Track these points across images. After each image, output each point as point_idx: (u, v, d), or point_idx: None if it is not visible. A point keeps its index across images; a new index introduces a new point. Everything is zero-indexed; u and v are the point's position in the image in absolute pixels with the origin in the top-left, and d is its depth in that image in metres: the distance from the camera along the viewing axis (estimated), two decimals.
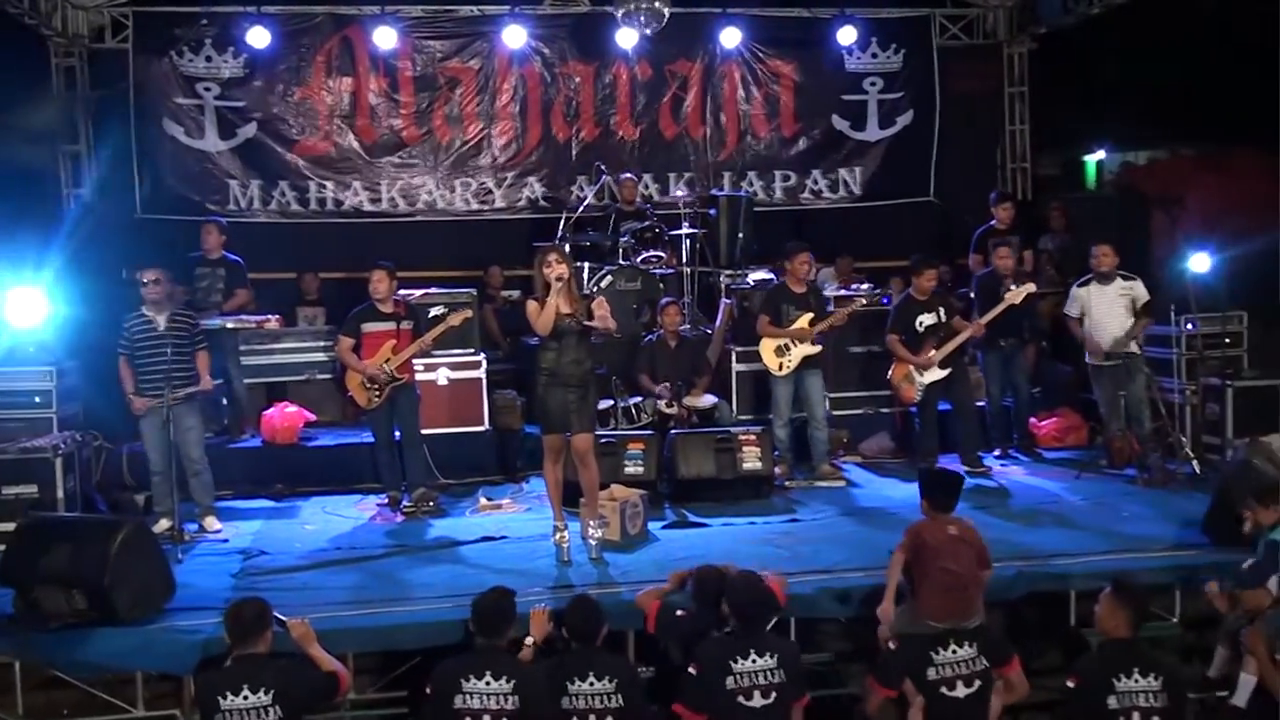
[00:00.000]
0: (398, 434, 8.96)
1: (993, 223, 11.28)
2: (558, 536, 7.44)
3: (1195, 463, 8.92)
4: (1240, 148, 15.78)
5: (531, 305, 7.42)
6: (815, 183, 13.90)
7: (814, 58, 13.61)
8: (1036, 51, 14.26)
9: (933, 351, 9.40)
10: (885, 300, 10.78)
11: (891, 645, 5.95)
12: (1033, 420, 10.68)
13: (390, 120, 12.89)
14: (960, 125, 13.92)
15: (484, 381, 10.18)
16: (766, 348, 9.64)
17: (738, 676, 5.50)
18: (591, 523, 7.46)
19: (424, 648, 6.23)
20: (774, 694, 5.53)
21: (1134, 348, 9.35)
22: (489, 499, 9.06)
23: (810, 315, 9.52)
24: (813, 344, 9.52)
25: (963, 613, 5.96)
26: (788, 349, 9.55)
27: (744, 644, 5.58)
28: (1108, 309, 9.43)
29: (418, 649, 6.26)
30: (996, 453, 10.18)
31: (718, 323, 11.01)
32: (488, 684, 5.35)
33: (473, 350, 10.21)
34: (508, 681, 5.35)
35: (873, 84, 13.84)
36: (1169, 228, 12.66)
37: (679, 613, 6.07)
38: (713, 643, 5.67)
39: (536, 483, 9.63)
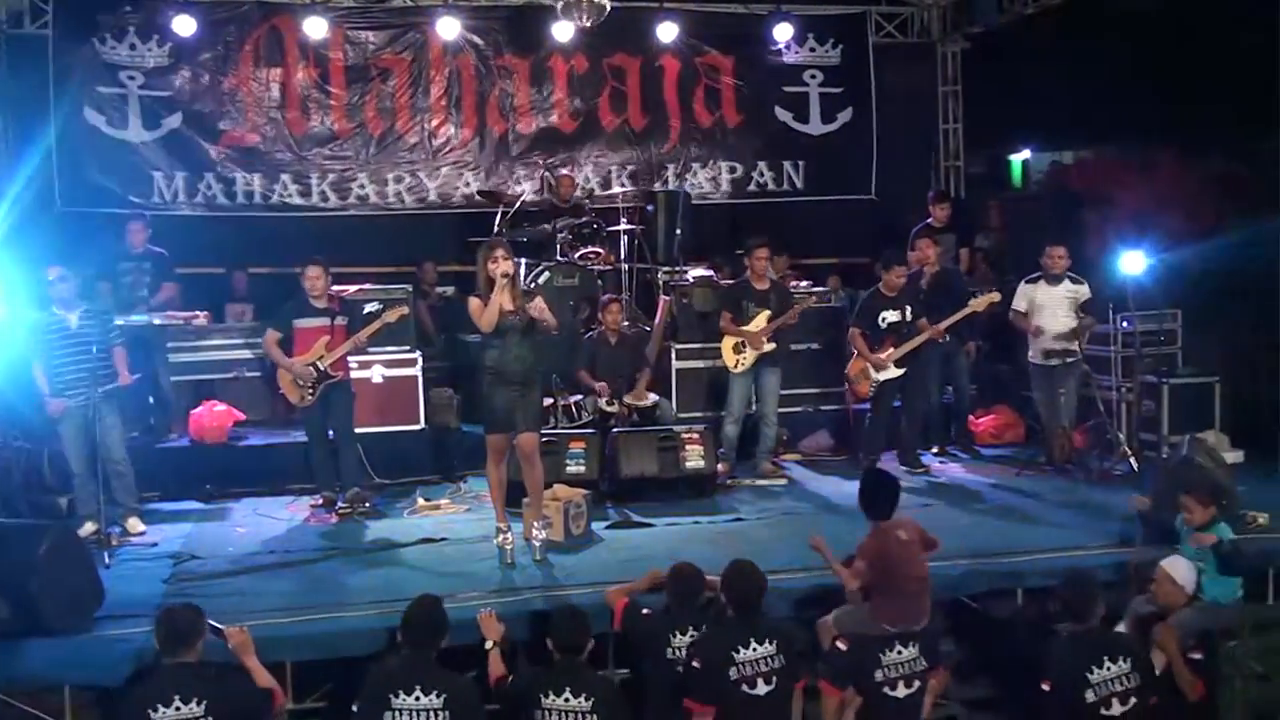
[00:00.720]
0: (331, 433, 8.72)
1: (929, 220, 11.32)
2: (501, 538, 7.28)
3: (1133, 460, 8.99)
4: (1164, 149, 16.06)
5: (474, 302, 7.25)
6: (761, 175, 13.85)
7: (753, 51, 13.55)
8: (967, 51, 14.35)
9: (890, 349, 9.37)
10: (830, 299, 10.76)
11: (842, 646, 5.91)
12: (970, 418, 10.74)
13: (321, 112, 12.59)
14: (896, 123, 13.97)
15: (419, 379, 9.98)
16: (725, 344, 9.58)
17: (740, 666, 5.47)
18: (535, 524, 7.32)
19: (366, 655, 6.04)
20: (775, 679, 5.52)
21: (1076, 348, 9.43)
22: (426, 499, 8.87)
23: (769, 312, 9.45)
24: (768, 340, 9.45)
25: (917, 617, 5.94)
26: (745, 346, 9.49)
27: (744, 632, 5.54)
28: (1054, 309, 9.49)
29: (359, 657, 6.06)
30: (934, 450, 10.20)
31: (656, 320, 10.90)
32: (418, 699, 5.14)
33: (408, 347, 10.00)
34: (438, 696, 5.15)
35: (813, 76, 13.83)
36: (1101, 227, 12.78)
37: (644, 611, 5.95)
38: (713, 634, 5.61)
39: (474, 482, 9.47)
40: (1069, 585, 5.78)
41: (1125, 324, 9.83)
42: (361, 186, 12.75)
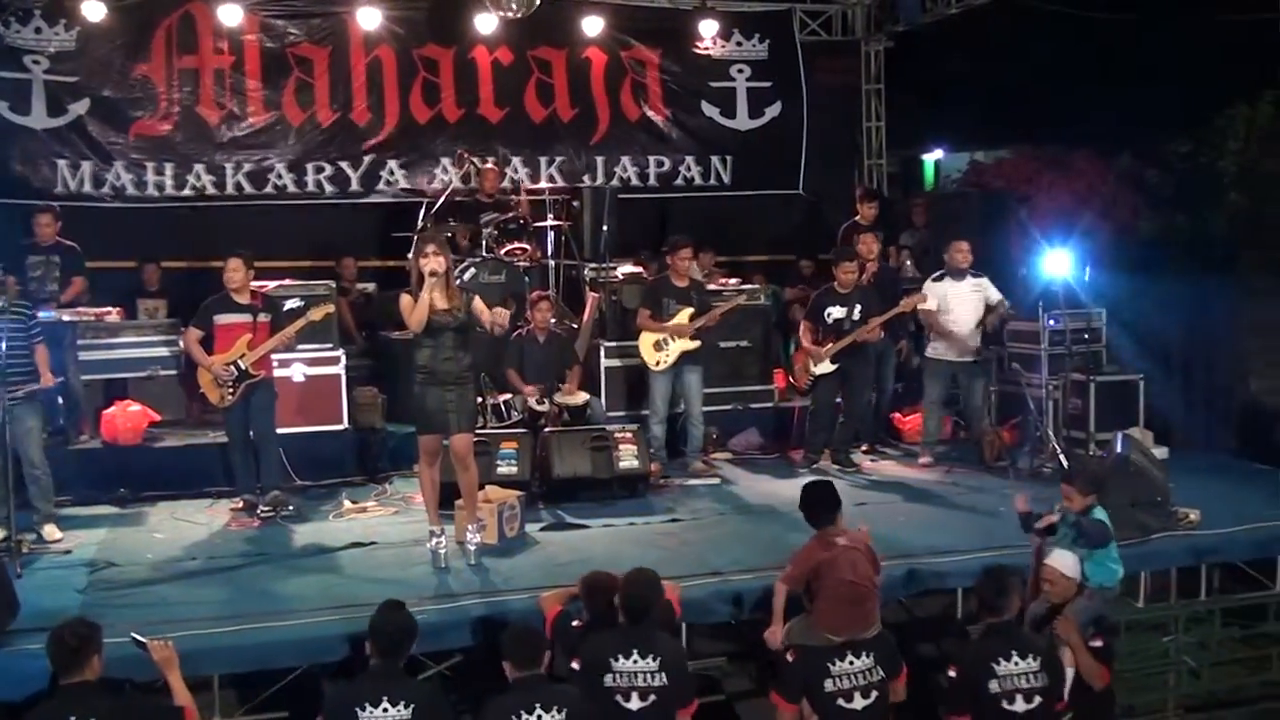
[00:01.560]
0: (252, 433, 8.44)
1: (856, 219, 11.32)
2: (434, 542, 7.08)
3: (1063, 457, 9.05)
4: (1081, 150, 16.33)
5: (405, 300, 7.04)
6: (689, 169, 13.74)
7: (679, 45, 13.46)
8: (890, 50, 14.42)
9: (830, 344, 9.33)
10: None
11: (790, 657, 5.83)
12: (897, 416, 10.78)
13: (237, 100, 12.16)
14: (821, 121, 13.97)
15: (343, 378, 9.70)
16: (645, 342, 9.44)
17: (616, 675, 5.31)
18: (470, 527, 7.13)
19: (301, 666, 5.82)
20: (653, 697, 5.32)
21: (980, 345, 9.55)
22: (353, 501, 8.61)
23: (691, 310, 9.35)
24: (691, 339, 9.35)
25: (861, 624, 5.86)
26: (666, 344, 9.37)
27: (627, 643, 5.37)
28: (963, 306, 9.54)
29: (293, 668, 5.83)
30: (864, 448, 10.20)
31: (585, 317, 10.75)
32: (385, 711, 4.94)
33: (330, 345, 9.72)
34: (406, 707, 4.96)
35: (740, 71, 13.77)
36: (1026, 226, 12.91)
37: (574, 623, 5.79)
38: (597, 638, 5.47)
39: (400, 483, 9.28)
40: (984, 578, 5.75)
41: (1052, 322, 9.91)
42: (279, 177, 12.35)
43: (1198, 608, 7.29)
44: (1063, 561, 6.12)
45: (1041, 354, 9.92)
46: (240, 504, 8.49)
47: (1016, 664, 5.46)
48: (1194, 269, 13.29)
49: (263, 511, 8.26)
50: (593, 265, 11.44)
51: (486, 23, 12.23)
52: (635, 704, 5.30)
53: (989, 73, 18.49)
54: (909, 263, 11.85)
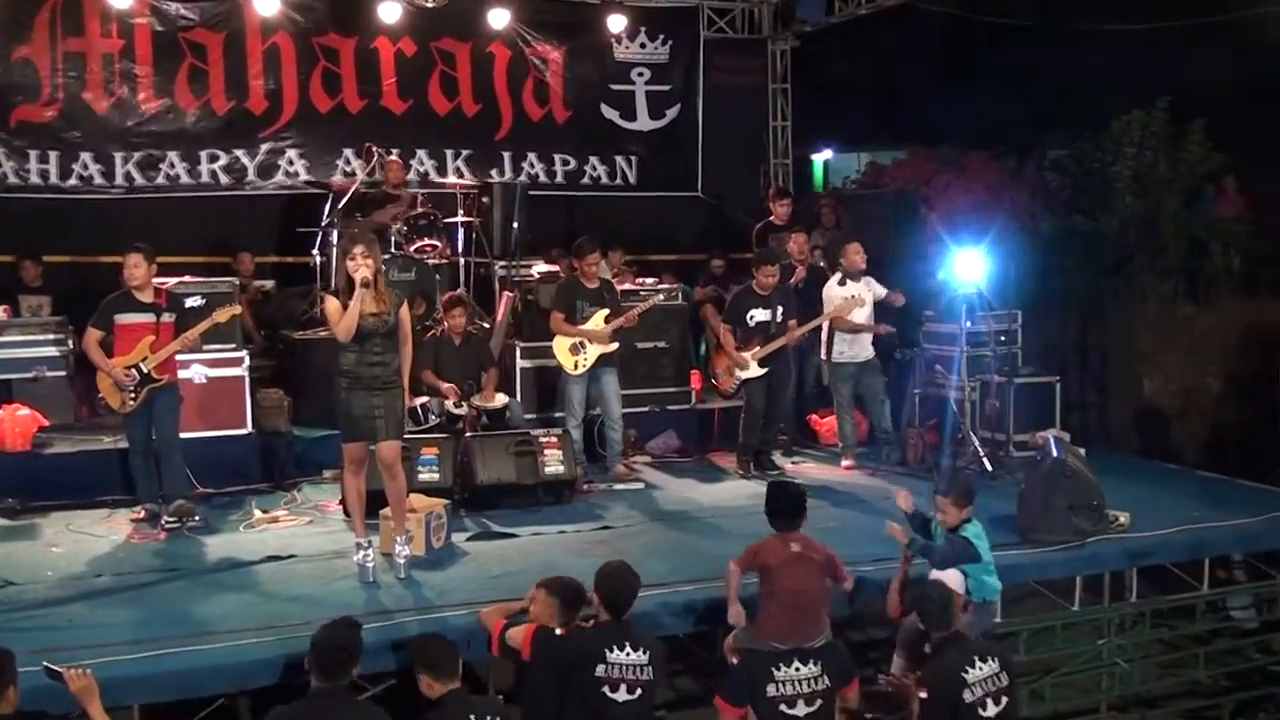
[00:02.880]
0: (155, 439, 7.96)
1: (770, 219, 11.26)
2: (362, 555, 6.73)
3: (986, 460, 9.08)
4: (975, 152, 16.53)
5: (332, 304, 6.68)
6: (594, 168, 13.54)
7: (582, 45, 13.27)
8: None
9: (756, 347, 9.19)
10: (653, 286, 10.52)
11: (734, 660, 5.72)
12: (813, 417, 10.72)
13: (126, 86, 11.51)
14: (727, 119, 13.89)
15: (246, 380, 9.24)
16: (560, 346, 9.19)
17: (609, 666, 5.24)
18: (398, 538, 6.79)
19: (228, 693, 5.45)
20: (640, 690, 5.30)
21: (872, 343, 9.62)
22: (263, 510, 8.19)
23: (606, 312, 9.13)
24: (608, 341, 9.13)
25: (806, 633, 5.75)
26: (583, 347, 9.14)
27: (620, 635, 5.30)
28: (864, 307, 9.53)
29: (219, 695, 5.46)
30: (781, 450, 10.10)
31: (498, 316, 10.46)
32: None
33: (233, 345, 9.23)
34: None
35: (640, 74, 13.62)
36: (938, 227, 13.00)
37: (558, 631, 5.52)
38: (586, 631, 5.36)
39: (310, 490, 8.88)
40: (921, 597, 5.70)
41: (970, 324, 9.93)
42: (171, 166, 11.76)
43: (1129, 610, 7.33)
44: (950, 578, 6.07)
45: (959, 355, 9.95)
46: (142, 514, 8.01)
47: (981, 668, 5.41)
48: (1091, 271, 13.55)
49: (167, 522, 7.80)
50: (503, 263, 11.13)
51: (390, 11, 11.88)
52: (623, 695, 5.27)
53: (880, 75, 18.69)
54: (822, 263, 11.79)
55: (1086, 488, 7.26)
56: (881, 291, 9.59)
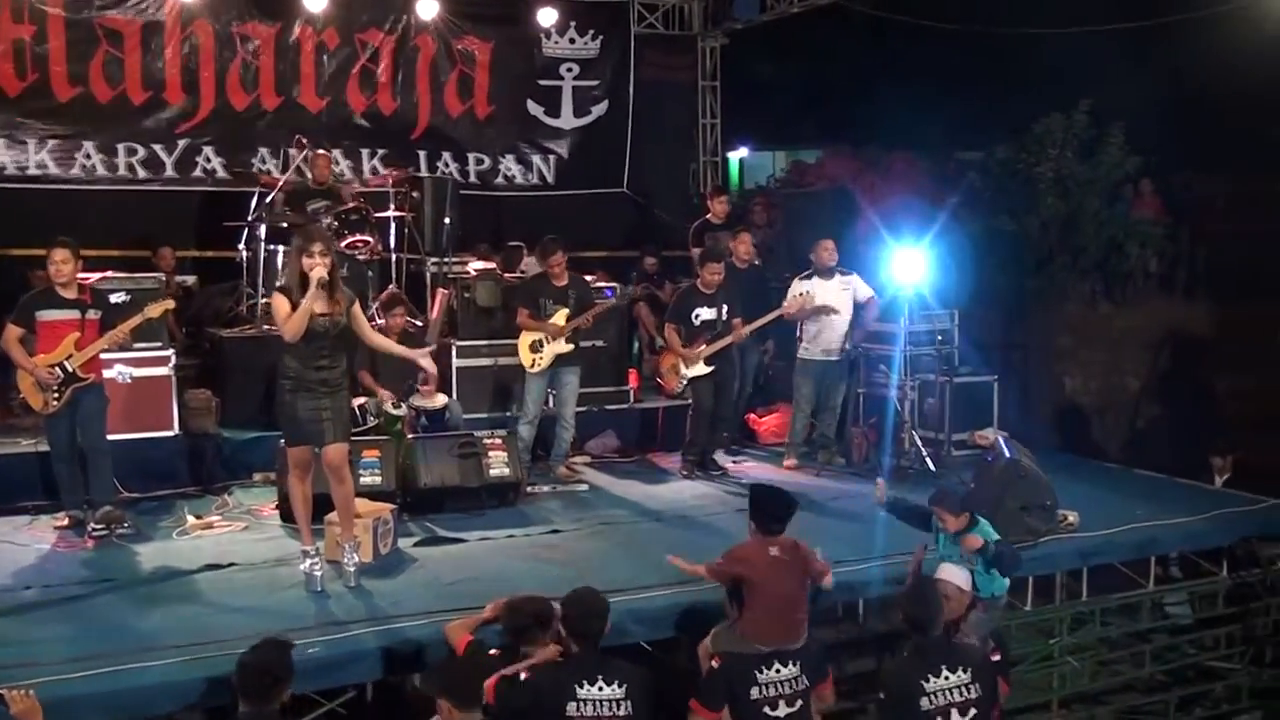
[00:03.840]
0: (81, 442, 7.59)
1: (708, 216, 11.19)
2: (309, 564, 6.46)
3: (929, 459, 9.09)
4: (898, 152, 16.66)
5: (281, 303, 6.40)
6: (509, 168, 13.35)
7: (511, 39, 13.10)
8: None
9: (702, 346, 9.07)
10: (609, 293, 10.35)
11: (714, 664, 5.58)
12: (752, 416, 10.66)
13: (38, 72, 11.04)
14: (656, 116, 13.79)
15: (173, 379, 8.88)
16: (522, 343, 9.02)
17: (580, 704, 4.95)
18: (346, 545, 6.55)
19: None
20: None
21: (846, 345, 9.53)
22: (197, 516, 7.86)
23: (567, 311, 8.97)
24: (566, 342, 8.96)
25: (790, 635, 5.65)
26: (541, 345, 8.96)
27: (589, 670, 5.01)
28: (838, 306, 9.49)
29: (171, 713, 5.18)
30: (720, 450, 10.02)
31: (433, 314, 10.20)
32: None
33: (159, 344, 8.88)
34: None
35: (569, 70, 13.46)
36: (874, 225, 13.03)
37: (492, 651, 5.33)
38: (552, 668, 5.07)
39: (241, 494, 8.57)
40: (911, 597, 5.61)
41: (909, 323, 9.95)
42: (87, 156, 11.35)
43: (1080, 608, 7.37)
44: (955, 575, 6.01)
45: (897, 355, 9.96)
46: (65, 521, 7.64)
47: (947, 678, 5.27)
48: (1014, 271, 13.72)
49: (95, 530, 7.43)
50: (435, 260, 10.88)
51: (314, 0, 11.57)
52: None
53: (801, 74, 18.78)
54: (757, 261, 11.73)
55: (1039, 487, 7.28)
56: (865, 292, 9.51)
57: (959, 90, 15.94)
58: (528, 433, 8.98)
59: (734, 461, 9.75)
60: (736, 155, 20.97)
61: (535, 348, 8.96)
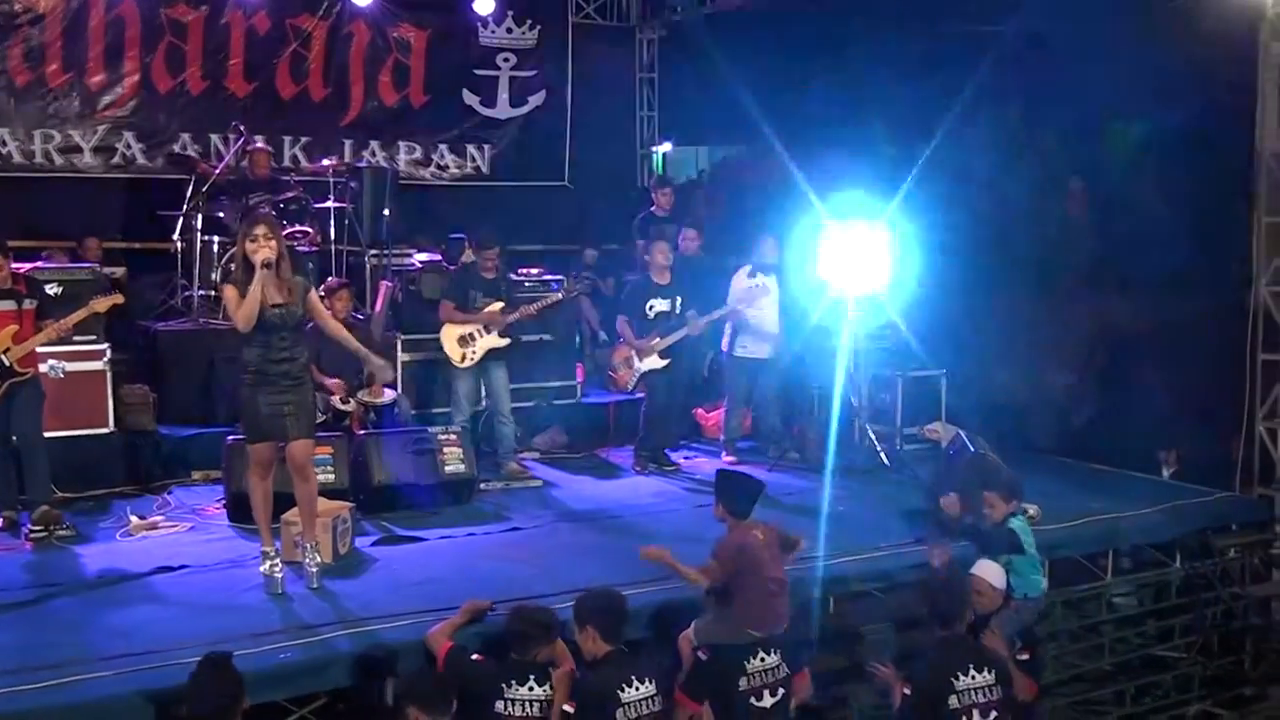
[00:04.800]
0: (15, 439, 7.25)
1: (652, 209, 11.08)
2: (269, 565, 6.23)
3: (884, 454, 9.08)
4: (832, 148, 16.68)
5: (230, 292, 6.16)
6: (442, 157, 13.10)
7: (447, 27, 12.83)
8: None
9: (656, 339, 8.95)
10: (556, 286, 10.19)
11: (703, 656, 5.52)
12: (700, 411, 10.58)
13: None
14: (594, 108, 13.63)
15: (108, 374, 8.53)
16: (449, 337, 8.79)
17: (625, 708, 4.90)
18: (308, 545, 6.32)
19: None
20: None
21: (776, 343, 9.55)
22: (141, 517, 7.54)
23: (501, 304, 8.77)
24: (500, 336, 8.78)
25: (779, 619, 5.63)
26: (473, 339, 8.76)
27: (627, 671, 4.98)
28: (769, 300, 9.48)
29: None
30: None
31: (377, 307, 9.96)
32: None
33: (94, 338, 8.48)
34: None
35: (506, 60, 13.24)
36: (820, 219, 13.01)
37: (474, 656, 5.17)
38: (595, 675, 4.99)
39: (181, 493, 8.26)
40: (941, 589, 5.59)
41: (857, 318, 9.93)
42: (3, 144, 10.83)
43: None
44: (990, 572, 5.99)
45: (850, 349, 9.94)
46: (1, 522, 7.28)
47: (974, 677, 5.25)
48: (944, 266, 13.81)
49: (33, 531, 7.10)
50: (374, 251, 10.63)
51: None
52: None
53: (728, 70, 18.71)
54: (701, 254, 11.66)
55: (1011, 482, 7.25)
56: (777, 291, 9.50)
57: (893, 87, 15.98)
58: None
59: (684, 457, 9.65)
60: (660, 150, 20.91)
61: (465, 341, 8.74)
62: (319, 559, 6.32)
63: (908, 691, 5.34)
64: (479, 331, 8.76)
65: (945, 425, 9.87)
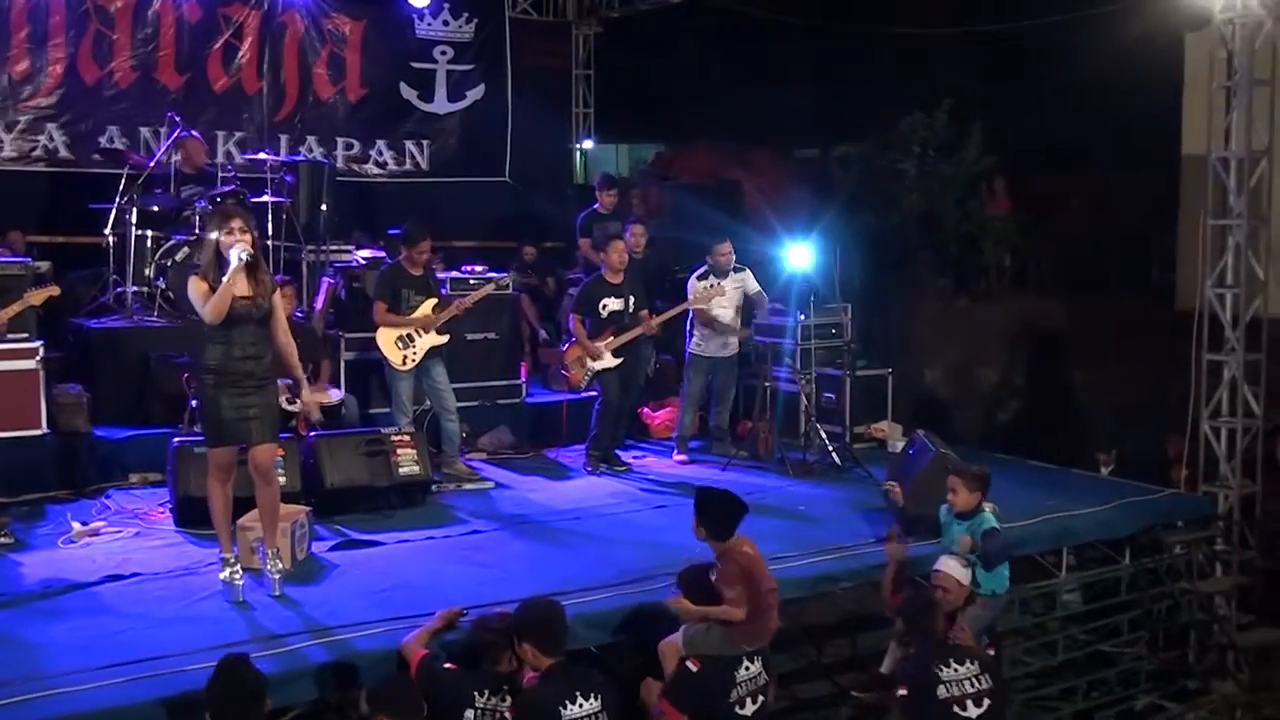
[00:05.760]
0: None
1: (595, 206, 10.99)
2: (228, 572, 6.02)
3: (835, 454, 9.10)
4: (756, 147, 16.77)
5: (197, 284, 5.93)
6: (380, 153, 12.91)
7: (382, 19, 12.66)
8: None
9: (610, 338, 8.86)
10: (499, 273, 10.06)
11: (693, 666, 5.44)
12: (645, 410, 10.51)
13: None
14: (532, 104, 13.50)
15: (40, 373, 8.18)
16: (386, 338, 8.58)
17: None
18: (270, 552, 6.12)
19: None
20: None
21: (743, 337, 9.56)
22: (82, 523, 7.25)
23: (434, 301, 8.61)
24: (439, 333, 8.62)
25: (771, 632, 5.64)
26: (412, 340, 8.57)
27: (569, 687, 4.78)
28: (726, 301, 9.45)
29: None
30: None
31: (318, 305, 9.73)
32: None
33: (25, 335, 8.15)
34: None
35: (443, 53, 13.08)
36: (769, 220, 13.04)
37: (447, 665, 5.04)
38: (535, 691, 4.83)
39: (119, 497, 7.98)
40: (909, 602, 5.66)
41: (803, 316, 9.96)
42: None
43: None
44: (956, 568, 6.02)
45: (796, 348, 9.94)
46: None
47: (957, 669, 5.34)
48: (876, 265, 13.96)
49: None
50: (311, 248, 10.38)
51: None
52: None
53: (653, 68, 18.70)
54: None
55: (981, 473, 7.30)
56: (754, 286, 9.53)
57: (823, 87, 16.12)
58: None
59: (634, 457, 9.57)
60: (581, 146, 20.83)
61: (405, 343, 8.55)
62: (281, 565, 6.12)
63: (903, 692, 5.35)
64: (417, 331, 8.59)
65: (891, 424, 9.93)
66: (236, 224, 5.87)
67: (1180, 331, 11.79)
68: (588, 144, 21.21)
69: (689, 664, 5.41)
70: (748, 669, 5.45)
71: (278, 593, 6.02)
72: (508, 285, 10.11)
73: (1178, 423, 11.35)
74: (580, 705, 4.75)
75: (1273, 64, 8.24)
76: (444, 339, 8.69)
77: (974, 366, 14.24)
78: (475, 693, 4.89)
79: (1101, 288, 14.05)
